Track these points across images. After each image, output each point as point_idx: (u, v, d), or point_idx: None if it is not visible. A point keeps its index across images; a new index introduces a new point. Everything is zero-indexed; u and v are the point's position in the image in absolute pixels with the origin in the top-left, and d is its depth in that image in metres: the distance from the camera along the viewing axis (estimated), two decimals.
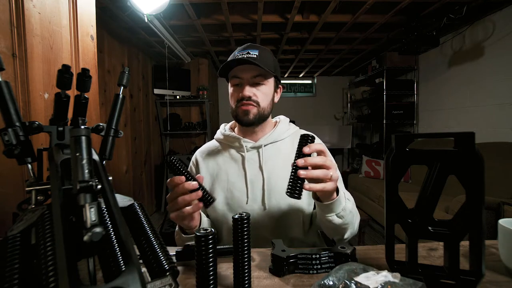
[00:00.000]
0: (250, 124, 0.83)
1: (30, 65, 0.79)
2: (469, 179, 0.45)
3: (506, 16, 2.49)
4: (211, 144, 0.95)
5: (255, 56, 0.78)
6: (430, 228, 0.48)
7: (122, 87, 0.50)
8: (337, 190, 0.65)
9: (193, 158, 0.95)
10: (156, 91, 3.70)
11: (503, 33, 2.51)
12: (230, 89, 0.86)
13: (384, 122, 3.78)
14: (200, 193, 0.57)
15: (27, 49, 0.78)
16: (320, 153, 0.59)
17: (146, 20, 2.19)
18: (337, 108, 5.53)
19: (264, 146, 0.86)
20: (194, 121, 4.11)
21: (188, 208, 0.60)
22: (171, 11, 2.43)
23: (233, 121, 0.93)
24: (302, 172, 0.53)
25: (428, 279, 0.47)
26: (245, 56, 0.78)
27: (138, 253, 0.37)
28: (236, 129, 0.93)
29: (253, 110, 0.81)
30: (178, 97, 3.83)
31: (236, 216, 0.47)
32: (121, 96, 0.50)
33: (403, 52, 3.00)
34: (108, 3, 2.20)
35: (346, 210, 0.68)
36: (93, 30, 1.04)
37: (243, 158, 0.85)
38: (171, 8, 2.33)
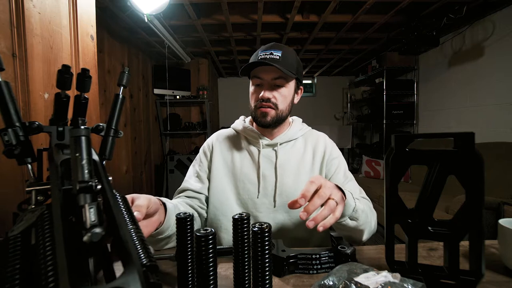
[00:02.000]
0: (267, 126, 0.84)
1: (30, 65, 0.79)
2: (469, 179, 0.45)
3: (506, 16, 2.48)
4: (229, 131, 0.96)
5: (277, 57, 0.77)
6: (430, 228, 0.48)
7: (122, 87, 0.50)
8: (343, 192, 0.61)
9: (208, 141, 0.94)
10: (156, 91, 3.70)
11: (503, 33, 2.51)
12: (251, 88, 0.86)
13: (384, 122, 3.78)
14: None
15: (27, 49, 0.78)
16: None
17: (146, 20, 2.19)
18: (337, 108, 5.53)
19: (280, 144, 0.87)
20: (194, 121, 4.11)
21: None
22: (171, 11, 2.43)
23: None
24: (310, 224, 0.50)
25: (428, 279, 0.47)
26: (268, 56, 0.78)
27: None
28: (254, 124, 0.93)
29: (271, 113, 0.82)
30: (178, 97, 3.83)
31: (236, 216, 0.47)
32: (121, 96, 0.50)
33: (403, 52, 2.99)
34: (108, 3, 2.20)
35: (358, 211, 0.65)
36: (93, 30, 1.04)
37: (259, 152, 0.87)
38: (171, 8, 2.33)
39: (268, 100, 0.81)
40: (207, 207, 0.87)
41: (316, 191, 0.53)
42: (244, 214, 0.48)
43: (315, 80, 5.53)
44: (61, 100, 0.44)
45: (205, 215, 0.87)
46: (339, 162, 0.87)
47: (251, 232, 0.46)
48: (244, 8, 2.55)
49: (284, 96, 0.83)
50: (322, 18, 2.57)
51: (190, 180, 0.89)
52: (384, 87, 3.74)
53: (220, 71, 4.92)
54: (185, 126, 3.99)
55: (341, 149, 5.25)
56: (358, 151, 5.06)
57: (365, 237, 0.72)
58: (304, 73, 5.08)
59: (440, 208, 2.15)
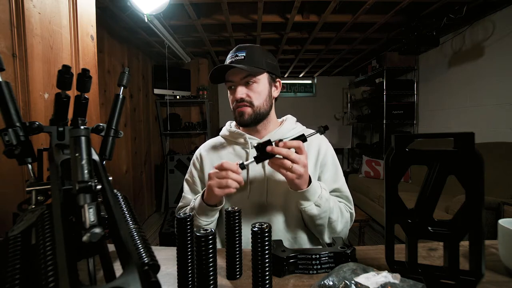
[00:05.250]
0: (246, 124, 0.85)
1: (30, 65, 0.79)
2: (469, 179, 0.45)
3: (506, 16, 2.48)
4: (216, 140, 0.96)
5: (242, 57, 0.80)
6: (430, 228, 0.48)
7: (122, 87, 0.50)
8: (309, 183, 0.71)
9: (196, 153, 0.96)
10: (156, 91, 3.70)
11: (503, 33, 2.51)
12: (228, 93, 0.89)
13: (384, 122, 3.78)
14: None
15: (27, 49, 0.78)
16: (297, 149, 0.66)
17: (146, 20, 2.19)
18: (337, 108, 5.53)
19: None
20: (194, 121, 4.11)
21: (235, 184, 0.67)
22: (171, 11, 2.43)
23: None
24: (268, 148, 0.65)
25: (428, 279, 0.47)
26: (233, 59, 0.81)
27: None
28: (241, 127, 0.94)
29: (248, 111, 0.83)
30: (178, 97, 3.83)
31: (229, 209, 0.51)
32: (121, 96, 0.50)
33: (403, 52, 2.99)
34: (108, 3, 2.20)
35: (323, 198, 0.72)
36: (93, 30, 1.05)
37: (247, 154, 0.86)
38: (171, 8, 2.33)
39: (242, 100, 0.83)
40: None
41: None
42: (236, 208, 0.53)
43: (315, 80, 5.53)
44: (61, 100, 0.44)
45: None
46: (333, 165, 0.87)
47: (251, 232, 0.46)
48: (244, 8, 2.55)
49: (258, 92, 0.84)
50: (322, 18, 2.57)
51: (188, 195, 0.90)
52: (384, 87, 3.74)
53: None
54: (185, 126, 3.99)
55: (341, 149, 5.26)
56: (358, 151, 5.06)
57: (326, 235, 0.78)
58: (304, 73, 5.08)
59: (440, 208, 2.15)
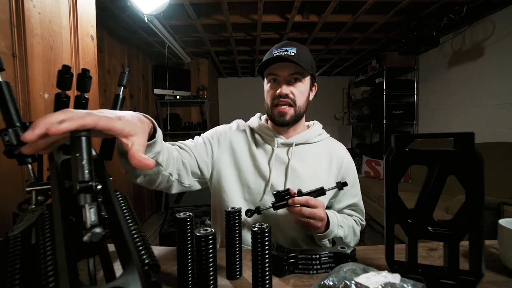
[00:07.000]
0: (285, 125, 0.83)
1: (30, 65, 0.79)
2: (469, 179, 0.45)
3: (506, 16, 2.49)
4: (245, 126, 0.93)
5: (293, 53, 0.78)
6: (430, 228, 0.48)
7: (122, 87, 0.50)
8: (328, 223, 0.74)
9: (227, 128, 0.91)
10: (156, 91, 3.70)
11: (503, 33, 2.51)
12: (267, 86, 0.85)
13: (384, 122, 3.78)
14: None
15: (27, 49, 0.78)
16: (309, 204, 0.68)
17: (146, 20, 2.19)
18: (337, 108, 5.53)
19: (295, 145, 0.85)
20: (194, 121, 4.11)
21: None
22: (171, 11, 2.43)
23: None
24: (290, 201, 0.67)
25: (428, 279, 0.47)
26: (283, 53, 0.78)
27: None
28: (269, 122, 0.91)
29: (290, 111, 0.81)
30: (178, 97, 3.83)
31: (229, 209, 0.52)
32: (121, 96, 0.50)
33: (403, 52, 2.99)
34: (108, 3, 2.20)
35: (337, 237, 0.74)
36: (93, 30, 1.05)
37: (272, 152, 0.84)
38: (171, 8, 2.33)
39: (286, 96, 0.80)
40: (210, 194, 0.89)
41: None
42: (237, 208, 0.53)
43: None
44: (61, 100, 0.44)
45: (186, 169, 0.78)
46: (353, 180, 0.88)
47: (251, 232, 0.46)
48: (244, 8, 2.55)
49: (301, 91, 0.82)
50: (322, 18, 2.57)
51: (183, 144, 0.84)
52: (384, 87, 3.74)
53: (220, 71, 4.92)
54: (185, 126, 4.00)
55: None
56: (358, 151, 5.06)
57: None
58: None
59: (440, 208, 2.15)
